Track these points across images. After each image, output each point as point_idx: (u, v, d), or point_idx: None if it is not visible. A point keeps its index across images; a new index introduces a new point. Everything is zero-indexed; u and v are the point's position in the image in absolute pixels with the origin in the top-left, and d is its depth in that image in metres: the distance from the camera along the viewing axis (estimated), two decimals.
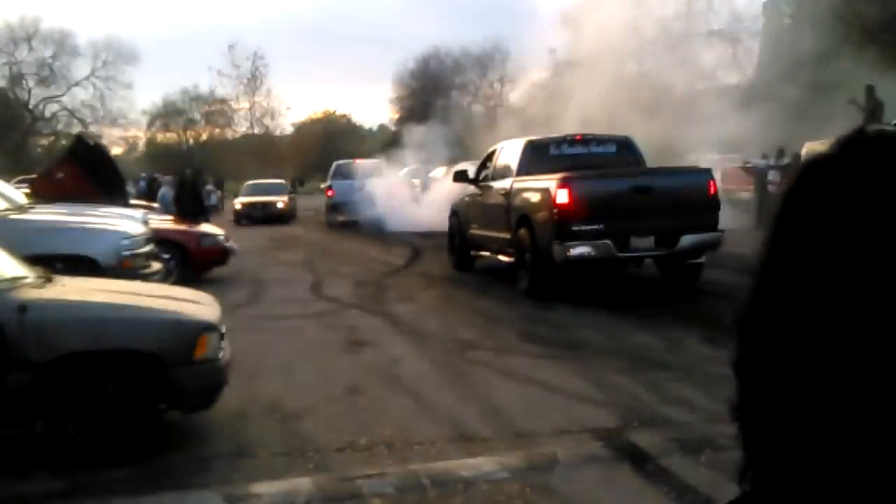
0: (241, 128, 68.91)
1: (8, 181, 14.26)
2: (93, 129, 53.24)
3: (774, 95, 25.55)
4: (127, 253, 9.05)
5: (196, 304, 5.92)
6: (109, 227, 9.41)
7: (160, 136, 67.03)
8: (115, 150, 50.73)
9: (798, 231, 1.05)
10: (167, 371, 5.23)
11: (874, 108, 17.75)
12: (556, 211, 10.34)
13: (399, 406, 6.28)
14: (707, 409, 5.88)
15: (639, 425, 5.53)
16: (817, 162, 0.96)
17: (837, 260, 0.73)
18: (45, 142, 60.62)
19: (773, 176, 19.71)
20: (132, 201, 16.37)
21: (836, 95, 20.86)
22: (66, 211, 10.24)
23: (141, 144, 67.41)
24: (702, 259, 10.96)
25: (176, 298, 6.01)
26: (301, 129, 69.37)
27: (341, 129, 69.11)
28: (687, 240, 10.41)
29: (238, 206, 30.32)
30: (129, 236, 9.29)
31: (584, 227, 10.21)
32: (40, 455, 5.22)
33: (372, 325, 9.73)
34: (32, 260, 6.25)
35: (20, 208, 9.85)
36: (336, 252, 18.46)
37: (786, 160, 19.62)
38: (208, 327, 5.49)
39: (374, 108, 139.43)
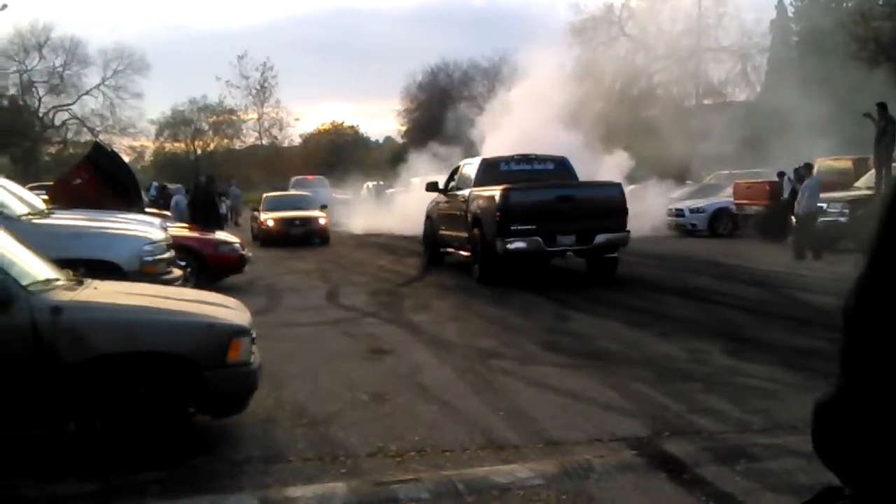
0: (249, 138, 69.10)
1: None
2: (102, 137, 53.32)
3: (783, 111, 25.62)
4: (149, 258, 9.07)
5: (227, 309, 5.92)
6: (132, 233, 9.43)
7: (168, 146, 67.21)
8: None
9: None
10: (200, 374, 5.23)
11: (886, 125, 17.73)
12: (498, 214, 12.86)
13: (426, 413, 6.26)
14: (737, 419, 5.87)
15: (670, 434, 5.50)
16: None
17: None
18: (52, 150, 60.79)
19: (788, 192, 19.67)
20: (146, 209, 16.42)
21: (847, 111, 20.86)
22: (86, 216, 10.26)
23: (148, 153, 67.66)
24: (615, 254, 13.48)
25: (207, 303, 6.01)
26: (308, 140, 69.49)
27: (348, 141, 69.28)
28: (601, 237, 13.00)
29: (270, 224, 23.49)
30: (152, 242, 9.31)
31: (519, 227, 12.80)
32: (72, 456, 5.22)
33: (391, 333, 9.72)
34: (55, 264, 6.24)
35: (41, 213, 9.87)
36: (348, 262, 18.46)
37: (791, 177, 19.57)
38: (240, 331, 5.49)
39: (381, 120, 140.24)
